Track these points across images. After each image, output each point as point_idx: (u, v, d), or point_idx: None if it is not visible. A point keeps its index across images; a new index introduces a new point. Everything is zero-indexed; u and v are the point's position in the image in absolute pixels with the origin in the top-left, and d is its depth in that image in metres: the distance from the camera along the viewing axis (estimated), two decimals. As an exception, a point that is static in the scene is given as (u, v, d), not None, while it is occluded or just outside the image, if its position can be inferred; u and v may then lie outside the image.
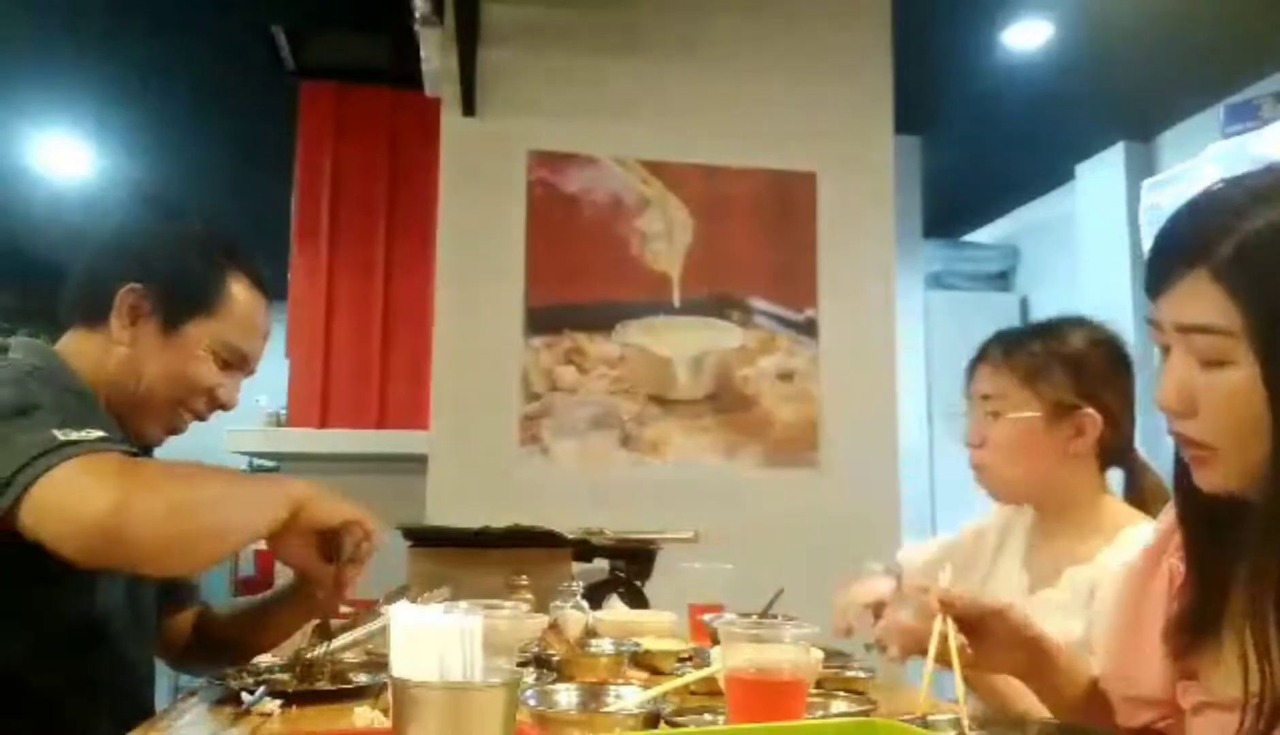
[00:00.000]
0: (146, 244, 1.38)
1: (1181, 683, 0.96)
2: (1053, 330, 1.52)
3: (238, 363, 1.40)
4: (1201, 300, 0.83)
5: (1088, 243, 5.09)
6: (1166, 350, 0.89)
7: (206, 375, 1.35)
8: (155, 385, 1.32)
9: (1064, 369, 1.47)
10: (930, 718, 1.00)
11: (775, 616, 1.38)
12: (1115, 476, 1.55)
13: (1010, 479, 1.51)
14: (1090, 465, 1.48)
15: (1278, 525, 0.83)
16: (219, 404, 1.39)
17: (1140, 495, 1.51)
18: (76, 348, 1.32)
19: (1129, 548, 1.31)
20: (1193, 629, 0.92)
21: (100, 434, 1.10)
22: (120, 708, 1.25)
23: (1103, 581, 1.33)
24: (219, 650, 1.49)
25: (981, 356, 1.55)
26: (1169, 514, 1.00)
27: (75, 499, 1.03)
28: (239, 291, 1.40)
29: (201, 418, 1.39)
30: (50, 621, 1.19)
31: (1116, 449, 1.50)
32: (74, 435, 1.07)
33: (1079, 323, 1.55)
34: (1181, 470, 0.94)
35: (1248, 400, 0.82)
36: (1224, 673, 0.90)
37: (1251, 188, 0.85)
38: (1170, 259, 0.87)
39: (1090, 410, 1.46)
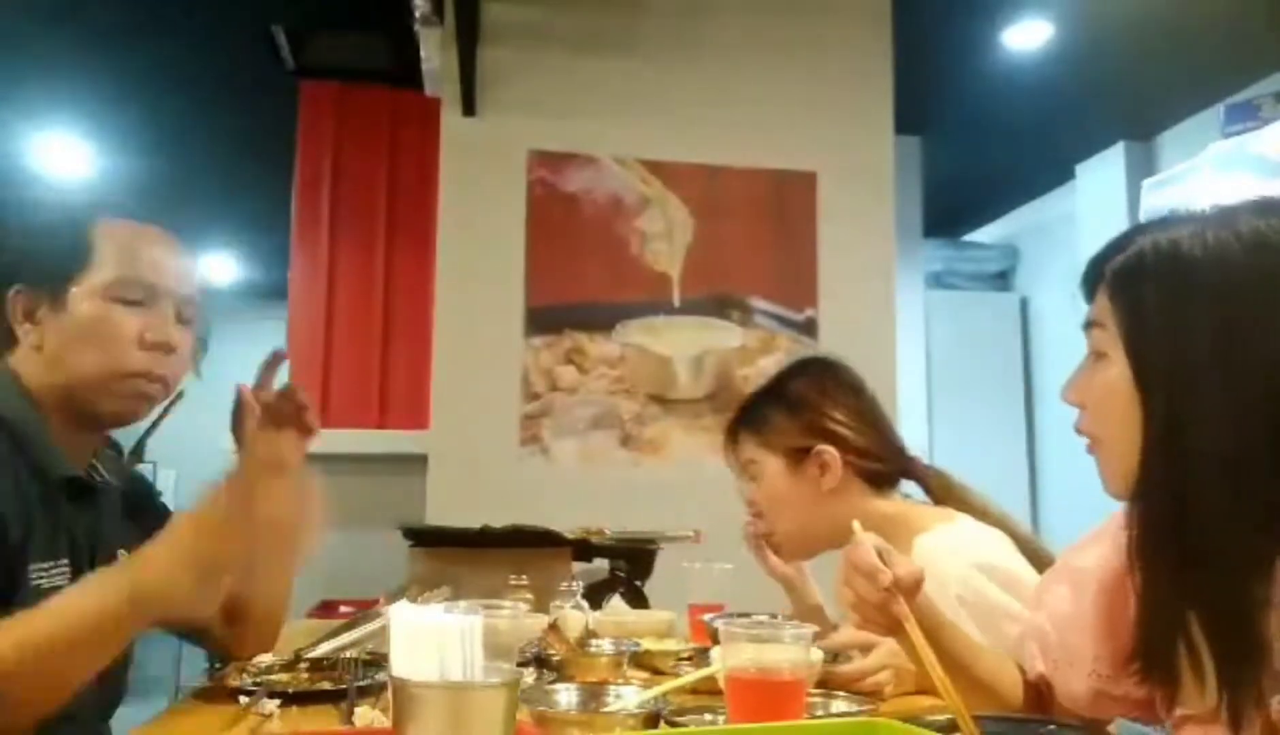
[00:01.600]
0: (3, 244, 1.28)
1: (1159, 692, 0.96)
2: (774, 385, 1.61)
3: (148, 297, 1.26)
4: (1099, 300, 0.95)
5: (1088, 243, 5.08)
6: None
7: (119, 324, 1.24)
8: (84, 364, 1.23)
9: (784, 415, 1.54)
10: (930, 718, 1.00)
11: (778, 616, 1.38)
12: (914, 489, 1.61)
13: (789, 538, 1.59)
14: (855, 494, 1.51)
15: (1151, 523, 0.88)
16: (157, 347, 1.26)
17: (938, 497, 1.56)
18: (12, 370, 1.24)
19: (931, 553, 1.35)
20: (1155, 640, 0.93)
21: None
22: None
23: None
24: (249, 604, 1.41)
25: (728, 430, 1.62)
26: (1124, 519, 1.00)
27: None
28: (106, 232, 1.27)
29: (155, 376, 1.27)
30: None
31: (877, 468, 1.54)
32: None
33: (796, 366, 1.63)
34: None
35: (1112, 392, 0.91)
36: (1193, 685, 0.90)
37: (1169, 216, 0.94)
38: (1091, 266, 0.98)
39: (823, 446, 1.51)
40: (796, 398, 1.55)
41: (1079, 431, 0.97)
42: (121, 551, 1.26)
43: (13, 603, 1.08)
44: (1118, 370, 0.91)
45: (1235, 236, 0.86)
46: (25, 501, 1.13)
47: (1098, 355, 0.94)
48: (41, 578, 1.16)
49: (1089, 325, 0.96)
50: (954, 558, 1.33)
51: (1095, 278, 0.97)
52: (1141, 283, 0.90)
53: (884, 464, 1.55)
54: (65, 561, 1.21)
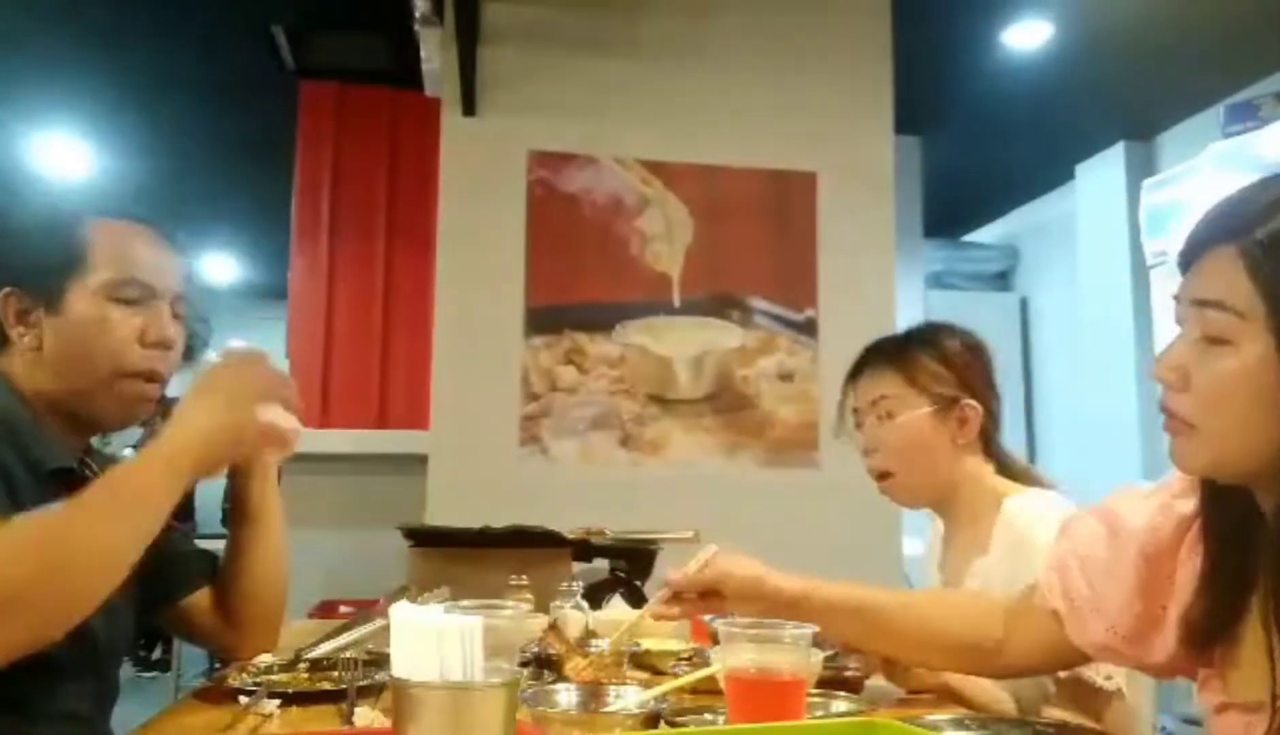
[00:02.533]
0: None
1: (1203, 673, 0.95)
2: (924, 335, 1.62)
3: (144, 295, 1.26)
4: (1222, 276, 0.83)
5: (1088, 243, 5.09)
6: (1182, 323, 0.90)
7: (119, 323, 1.24)
8: (82, 366, 1.23)
9: (943, 366, 1.56)
10: (930, 717, 1.00)
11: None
12: None
13: (910, 480, 1.58)
14: (976, 455, 1.57)
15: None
16: (157, 345, 1.26)
17: (1011, 477, 1.59)
18: (3, 371, 1.24)
19: (1016, 517, 1.42)
20: (1211, 628, 0.92)
21: None
22: None
23: (998, 562, 1.42)
24: (246, 602, 1.41)
25: (862, 365, 1.63)
26: (1182, 488, 0.99)
27: None
28: (99, 232, 1.27)
29: (156, 375, 1.27)
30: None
31: (990, 439, 1.60)
32: None
33: (946, 327, 1.65)
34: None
35: (1240, 384, 0.82)
36: (1244, 674, 0.89)
37: None
38: (1204, 234, 0.87)
39: (971, 401, 1.55)
40: (952, 351, 1.58)
41: (1169, 411, 0.89)
42: None
43: None
44: (1250, 358, 0.81)
45: None
46: (16, 493, 1.13)
47: (1213, 340, 0.84)
48: None
49: (1202, 303, 0.85)
50: (1041, 524, 1.34)
51: (1207, 247, 0.86)
52: None
53: (998, 439, 1.61)
54: None
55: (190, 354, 1.37)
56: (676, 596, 1.22)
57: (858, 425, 1.62)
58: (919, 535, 3.30)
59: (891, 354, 1.60)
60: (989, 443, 1.59)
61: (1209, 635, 0.92)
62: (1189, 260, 0.88)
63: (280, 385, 1.21)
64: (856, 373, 1.63)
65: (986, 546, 1.46)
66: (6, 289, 1.24)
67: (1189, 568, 0.96)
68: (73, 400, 1.24)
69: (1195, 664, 0.96)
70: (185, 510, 5.47)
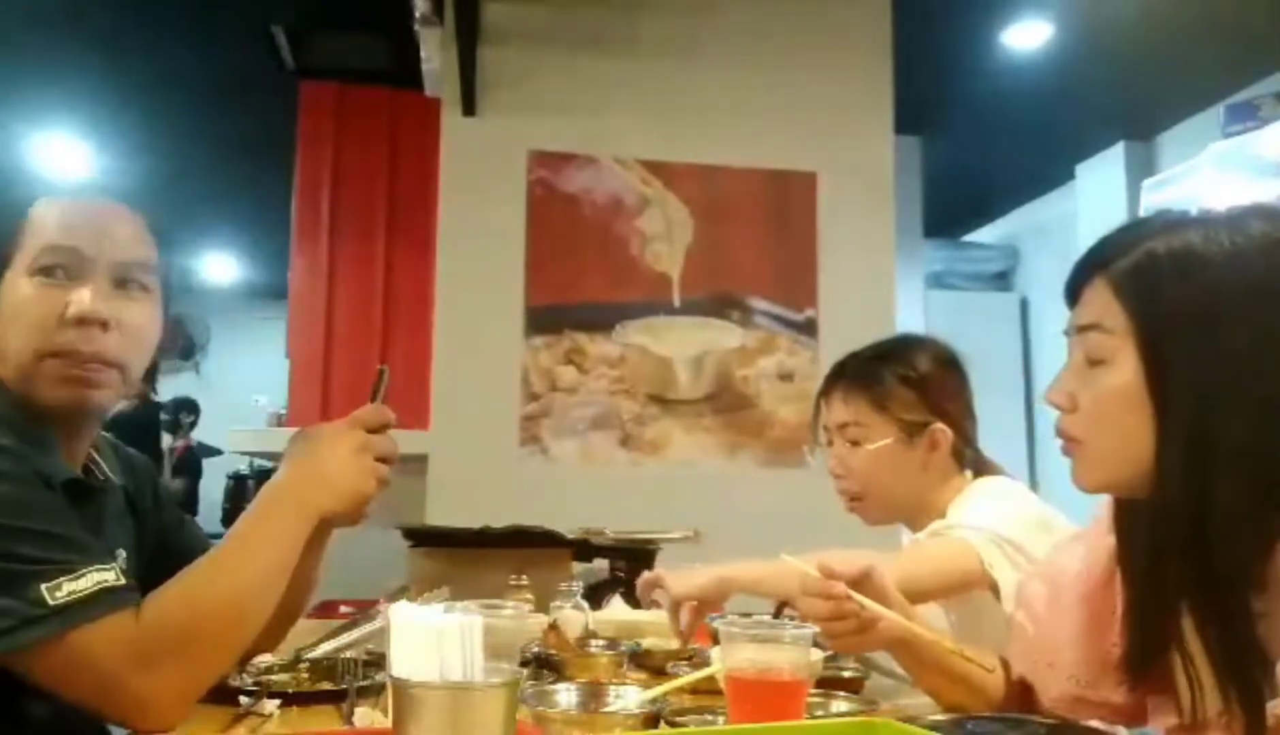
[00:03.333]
0: None
1: (1152, 699, 0.96)
2: (894, 353, 1.61)
3: (72, 265, 1.12)
4: (1096, 302, 0.93)
5: (1088, 243, 5.07)
6: (1070, 355, 0.97)
7: (39, 300, 1.11)
8: (10, 349, 1.11)
9: (911, 389, 1.55)
10: (930, 718, 1.00)
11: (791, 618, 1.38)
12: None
13: (879, 504, 1.59)
14: (949, 473, 1.57)
15: (1167, 519, 0.87)
16: (75, 318, 1.10)
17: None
18: None
19: (976, 494, 1.47)
20: (1143, 653, 0.93)
21: (94, 580, 0.99)
22: None
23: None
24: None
25: (831, 386, 1.62)
26: (1108, 524, 1.01)
27: (100, 688, 0.98)
28: (40, 208, 1.15)
29: (79, 349, 1.11)
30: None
31: (969, 455, 1.60)
32: (64, 593, 0.97)
33: (918, 343, 1.64)
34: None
35: (1119, 397, 0.89)
36: (1184, 693, 0.90)
37: (1167, 219, 0.93)
38: (1080, 269, 0.97)
39: (940, 425, 1.54)
40: (921, 373, 1.56)
41: (1062, 433, 0.95)
42: (121, 551, 1.24)
43: None
44: (1124, 375, 0.89)
45: (1249, 239, 0.87)
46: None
47: (1094, 361, 0.92)
48: None
49: (1083, 328, 0.94)
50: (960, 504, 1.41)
51: (1084, 281, 0.95)
52: (1158, 285, 0.88)
53: (972, 451, 1.60)
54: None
55: (187, 353, 1.32)
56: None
57: (828, 443, 1.63)
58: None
59: (860, 376, 1.59)
60: (964, 460, 1.58)
61: (1143, 660, 0.94)
62: (1071, 293, 0.97)
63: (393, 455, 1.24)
64: (827, 391, 1.63)
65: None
66: None
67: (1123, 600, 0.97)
68: (15, 391, 1.13)
69: (1146, 693, 0.97)
70: (189, 506, 5.47)
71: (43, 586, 0.96)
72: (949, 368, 1.60)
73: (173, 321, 1.26)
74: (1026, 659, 1.10)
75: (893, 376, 1.56)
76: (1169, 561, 0.88)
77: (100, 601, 0.99)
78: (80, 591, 0.98)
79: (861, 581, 1.03)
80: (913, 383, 1.56)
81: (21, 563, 0.97)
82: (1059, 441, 0.97)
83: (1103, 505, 1.02)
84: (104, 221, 1.16)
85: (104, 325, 1.12)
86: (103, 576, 1.00)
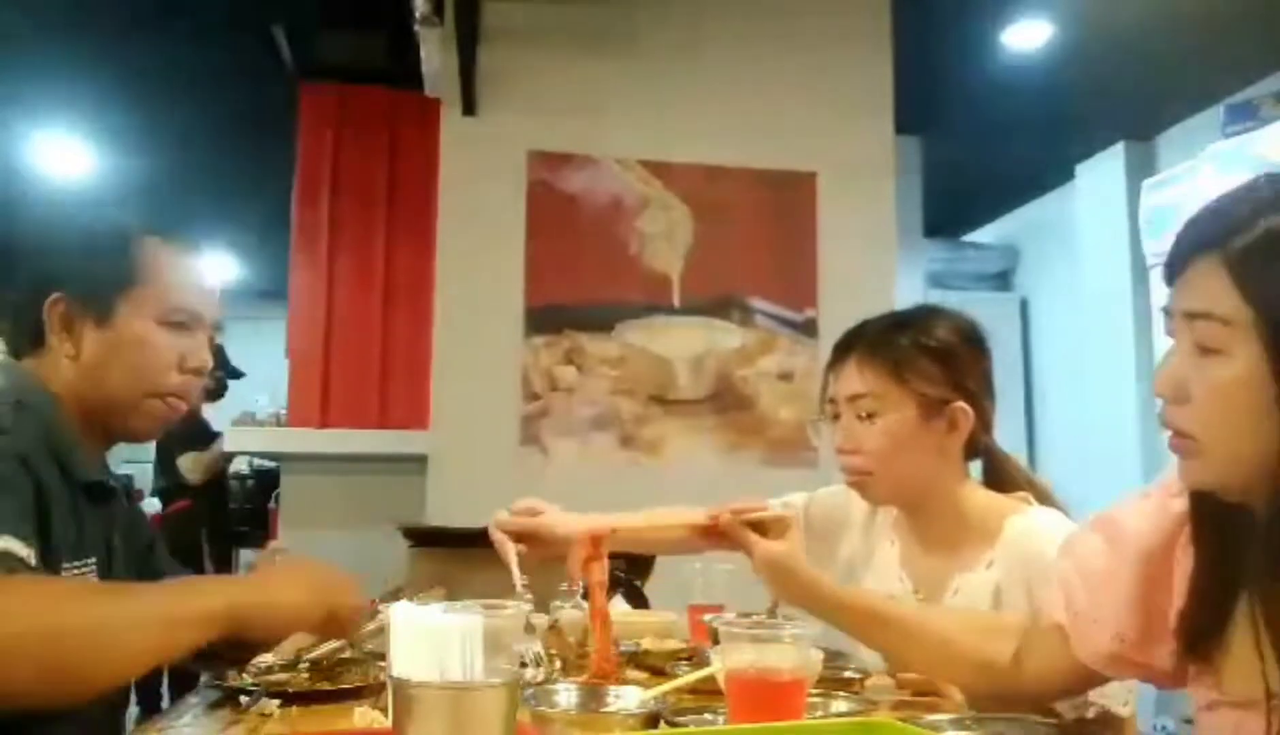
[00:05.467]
0: (48, 249, 1.29)
1: (1193, 670, 0.95)
2: (916, 322, 1.46)
3: (191, 322, 1.30)
4: (1208, 287, 0.83)
5: (1088, 243, 5.09)
6: (1173, 335, 0.89)
7: (164, 346, 1.27)
8: (120, 380, 1.25)
9: (933, 362, 1.41)
10: (930, 717, 1.00)
11: (777, 617, 1.38)
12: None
13: (888, 483, 1.45)
14: (957, 459, 1.44)
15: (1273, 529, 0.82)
16: (191, 371, 1.29)
17: (1002, 482, 1.48)
18: (36, 372, 1.25)
19: (1024, 537, 1.34)
20: (1201, 627, 0.91)
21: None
22: None
23: (1007, 584, 1.33)
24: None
25: (844, 354, 1.47)
26: (1179, 487, 0.98)
27: None
28: (157, 253, 1.29)
29: (185, 397, 1.30)
30: None
31: (981, 440, 1.47)
32: None
33: (938, 312, 1.49)
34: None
35: (1237, 393, 0.81)
36: (1234, 671, 0.89)
37: (1274, 188, 0.84)
38: (1188, 245, 0.86)
39: (962, 403, 1.41)
40: (945, 348, 1.42)
41: (1171, 426, 0.87)
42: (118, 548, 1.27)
43: None
44: (1245, 367, 0.81)
45: None
46: (50, 514, 1.13)
47: (1206, 350, 0.83)
48: (73, 575, 1.17)
49: (1192, 315, 0.84)
50: (1052, 543, 1.24)
51: (1190, 258, 0.85)
52: None
53: (989, 436, 1.48)
54: (92, 561, 1.22)
55: (216, 395, 1.41)
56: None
57: (834, 417, 1.47)
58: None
59: (878, 345, 1.43)
60: (979, 446, 1.46)
61: (1200, 634, 0.92)
62: (1174, 272, 0.88)
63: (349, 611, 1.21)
64: (838, 360, 1.47)
65: (973, 564, 1.38)
66: (55, 295, 1.24)
67: (1184, 566, 0.95)
68: (99, 410, 1.26)
69: (1191, 663, 0.95)
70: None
71: None
72: (972, 342, 1.47)
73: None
74: (1069, 610, 1.05)
75: (913, 346, 1.42)
76: (1254, 555, 0.84)
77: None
78: None
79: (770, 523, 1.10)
80: (934, 354, 1.41)
81: None
82: (1166, 434, 0.89)
83: (1170, 467, 0.96)
84: (209, 282, 1.34)
85: (204, 374, 1.32)
86: (11, 545, 1.01)
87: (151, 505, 4.48)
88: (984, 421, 1.46)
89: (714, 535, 1.29)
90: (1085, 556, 1.06)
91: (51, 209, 1.34)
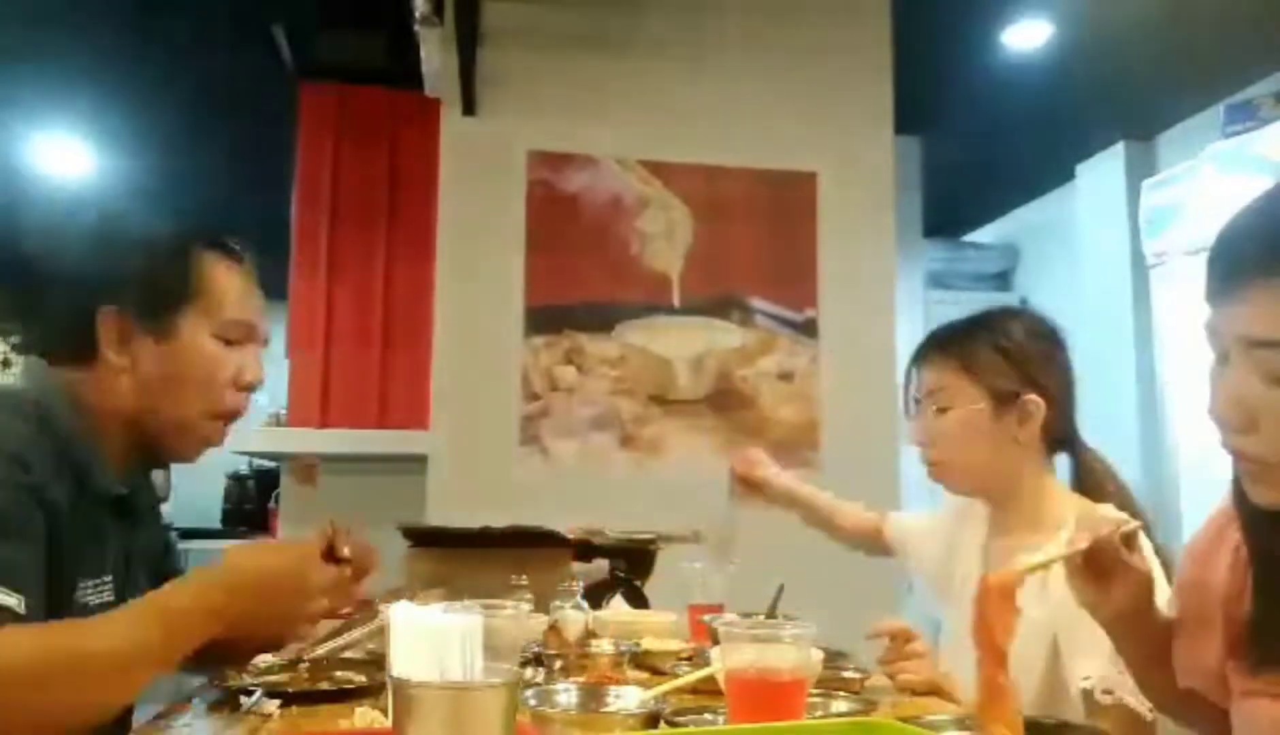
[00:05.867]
0: (105, 261, 1.23)
1: (1230, 663, 0.94)
2: (989, 322, 1.54)
3: (246, 336, 1.29)
4: (1273, 312, 0.78)
5: (1088, 243, 5.09)
6: (1225, 357, 0.85)
7: (224, 361, 1.25)
8: (180, 398, 1.22)
9: (1003, 358, 1.48)
10: (930, 717, 1.00)
11: (778, 616, 1.38)
12: (1062, 465, 1.57)
13: (964, 472, 1.52)
14: (1036, 452, 1.49)
15: None
16: (247, 386, 1.28)
17: (1086, 481, 1.52)
18: (71, 386, 1.21)
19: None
20: (1266, 639, 0.90)
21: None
22: None
23: (1055, 577, 1.31)
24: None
25: (921, 355, 1.56)
26: (1222, 508, 0.97)
27: None
28: (214, 266, 1.28)
29: (240, 411, 1.29)
30: None
31: (1061, 435, 1.52)
32: None
33: (1012, 313, 1.57)
34: (1240, 484, 0.91)
35: None
36: None
37: None
38: (1242, 265, 0.81)
39: (1033, 396, 1.46)
40: (1013, 341, 1.49)
41: (1237, 453, 0.85)
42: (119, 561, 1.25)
43: (60, 618, 1.08)
44: None
45: None
46: (75, 515, 1.12)
47: (1277, 378, 0.79)
48: (89, 595, 1.16)
49: (1257, 344, 0.80)
50: None
51: (1244, 276, 0.80)
52: None
53: (1068, 433, 1.53)
54: (109, 578, 1.20)
55: None
56: None
57: (915, 414, 1.57)
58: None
59: (951, 342, 1.53)
60: (1059, 440, 1.51)
61: (1268, 644, 0.90)
62: (1231, 290, 0.82)
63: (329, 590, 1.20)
64: (917, 360, 1.57)
65: (1040, 549, 1.41)
66: (110, 308, 1.20)
67: (1221, 575, 0.95)
68: (150, 427, 1.23)
69: (1263, 671, 0.92)
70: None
71: None
72: (1045, 339, 1.53)
73: None
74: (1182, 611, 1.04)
75: (984, 343, 1.49)
76: None
77: None
78: None
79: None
80: (1004, 351, 1.48)
81: None
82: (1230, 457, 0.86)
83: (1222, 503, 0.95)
84: (260, 296, 1.33)
85: (257, 390, 1.30)
86: (4, 600, 1.00)
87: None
88: (1061, 414, 1.50)
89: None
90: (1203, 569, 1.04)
91: (103, 219, 1.27)
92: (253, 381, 1.28)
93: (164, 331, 1.22)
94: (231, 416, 1.28)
